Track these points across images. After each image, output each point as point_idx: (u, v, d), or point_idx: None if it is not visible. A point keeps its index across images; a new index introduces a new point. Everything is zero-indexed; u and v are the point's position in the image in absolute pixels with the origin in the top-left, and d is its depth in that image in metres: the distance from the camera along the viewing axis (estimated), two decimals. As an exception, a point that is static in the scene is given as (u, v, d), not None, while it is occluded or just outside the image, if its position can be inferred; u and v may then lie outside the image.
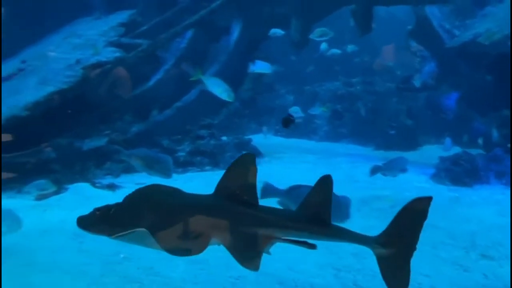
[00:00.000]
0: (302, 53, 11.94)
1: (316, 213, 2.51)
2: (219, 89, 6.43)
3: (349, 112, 12.58)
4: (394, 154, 9.57)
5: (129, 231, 2.28)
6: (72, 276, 4.11)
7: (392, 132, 11.00)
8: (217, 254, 4.75)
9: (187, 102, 9.45)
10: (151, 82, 9.15)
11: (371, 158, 9.93)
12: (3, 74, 7.30)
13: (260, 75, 11.12)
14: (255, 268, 2.34)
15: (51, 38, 8.39)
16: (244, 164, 2.51)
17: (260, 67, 7.77)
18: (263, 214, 2.50)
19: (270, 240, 2.46)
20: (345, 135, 12.66)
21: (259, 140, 11.49)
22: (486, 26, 8.90)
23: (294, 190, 4.95)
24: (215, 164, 8.71)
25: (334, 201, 2.57)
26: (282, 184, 5.47)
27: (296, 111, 8.81)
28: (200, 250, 2.33)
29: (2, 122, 6.31)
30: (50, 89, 6.88)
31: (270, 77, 14.35)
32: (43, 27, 8.39)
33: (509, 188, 7.26)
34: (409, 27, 10.27)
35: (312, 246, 2.48)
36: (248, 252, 2.39)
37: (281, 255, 4.69)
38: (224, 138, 9.70)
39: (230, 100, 6.53)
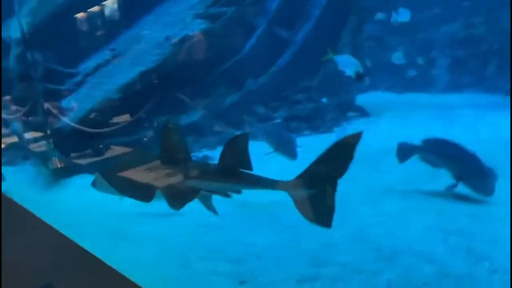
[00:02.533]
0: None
1: (231, 165, 3.03)
2: (351, 68, 6.11)
3: (473, 57, 10.94)
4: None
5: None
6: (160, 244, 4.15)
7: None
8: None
9: (282, 66, 9.07)
10: (244, 50, 8.95)
11: (501, 107, 8.50)
12: (99, 61, 7.75)
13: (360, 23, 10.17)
14: (178, 208, 2.93)
15: (143, 20, 8.66)
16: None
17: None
18: (190, 169, 3.10)
19: (195, 190, 3.07)
20: (469, 84, 11.09)
21: (367, 99, 10.64)
22: None
23: (432, 144, 4.70)
24: (314, 129, 8.26)
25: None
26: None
27: (398, 57, 7.86)
28: (149, 198, 2.96)
29: (99, 106, 6.72)
30: (140, 69, 7.10)
31: (376, 29, 13.18)
32: (136, 10, 8.69)
33: None
34: None
35: (226, 195, 3.06)
36: (177, 199, 2.95)
37: (381, 219, 4.21)
38: (324, 100, 9.15)
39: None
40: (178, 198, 2.99)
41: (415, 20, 12.84)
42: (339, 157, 2.67)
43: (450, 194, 4.54)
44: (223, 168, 3.09)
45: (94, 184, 3.36)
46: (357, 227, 4.10)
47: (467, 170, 4.28)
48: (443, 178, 4.99)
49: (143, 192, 3.06)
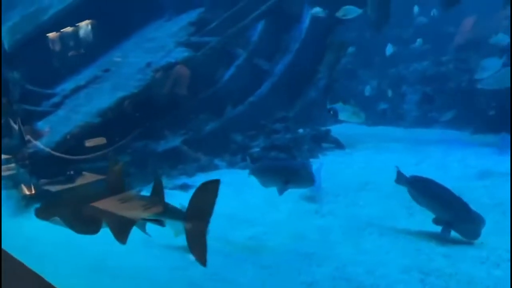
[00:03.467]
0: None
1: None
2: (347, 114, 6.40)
3: (441, 94, 11.42)
4: (495, 138, 8.45)
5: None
6: (138, 282, 4.06)
7: (492, 113, 9.72)
8: (287, 258, 4.46)
9: (261, 96, 9.22)
10: (224, 78, 9.06)
11: (468, 144, 8.89)
12: (81, 83, 7.66)
13: (337, 60, 10.58)
14: (123, 241, 3.13)
15: (124, 44, 8.66)
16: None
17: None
18: (128, 202, 3.31)
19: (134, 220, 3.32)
20: (437, 119, 11.53)
21: (341, 130, 10.90)
22: None
23: (419, 182, 4.78)
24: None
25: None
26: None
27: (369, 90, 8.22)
28: (95, 231, 3.17)
29: (77, 130, 6.61)
30: (121, 94, 7.07)
31: (349, 62, 13.66)
32: (117, 34, 8.69)
33: None
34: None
35: (161, 223, 3.42)
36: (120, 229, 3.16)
37: (361, 258, 4.29)
38: (300, 130, 9.32)
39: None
40: (121, 230, 3.21)
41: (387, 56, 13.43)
42: (202, 200, 3.28)
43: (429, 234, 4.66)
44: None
45: (37, 213, 3.39)
46: (338, 265, 4.15)
47: (456, 215, 4.37)
48: (419, 214, 5.16)
49: (89, 225, 3.23)
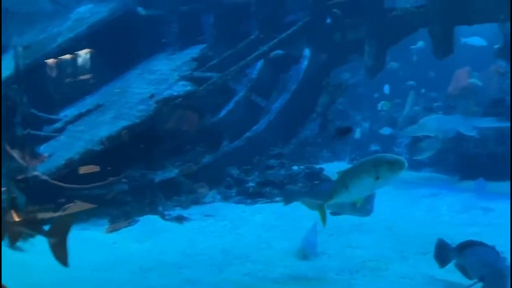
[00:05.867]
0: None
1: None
2: None
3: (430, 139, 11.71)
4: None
5: None
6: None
7: (480, 160, 9.98)
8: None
9: (257, 132, 9.41)
10: (222, 113, 9.27)
11: (457, 189, 9.08)
12: (83, 110, 7.79)
13: (331, 101, 10.91)
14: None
15: (128, 75, 8.86)
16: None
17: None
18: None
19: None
20: (426, 164, 11.77)
21: (332, 169, 11.08)
22: None
23: (467, 248, 4.33)
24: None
25: None
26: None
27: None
28: None
29: (79, 157, 6.69)
30: (123, 123, 7.20)
31: (342, 103, 14.03)
32: (121, 65, 8.91)
33: None
34: (496, 46, 9.43)
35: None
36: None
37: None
38: (295, 167, 9.46)
39: None
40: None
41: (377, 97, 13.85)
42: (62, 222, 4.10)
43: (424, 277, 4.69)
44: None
45: None
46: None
47: (492, 272, 4.02)
48: (412, 258, 5.27)
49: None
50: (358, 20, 8.99)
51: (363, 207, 5.02)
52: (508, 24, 8.55)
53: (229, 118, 9.31)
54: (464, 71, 11.32)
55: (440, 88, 12.36)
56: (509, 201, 7.70)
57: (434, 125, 7.37)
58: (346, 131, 5.82)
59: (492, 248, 4.23)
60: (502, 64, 8.97)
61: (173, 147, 7.97)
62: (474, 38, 11.92)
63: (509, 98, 9.32)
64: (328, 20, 9.38)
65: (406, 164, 3.55)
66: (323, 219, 4.16)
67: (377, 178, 3.62)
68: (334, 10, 9.09)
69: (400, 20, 8.58)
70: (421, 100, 12.83)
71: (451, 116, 8.18)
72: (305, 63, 10.13)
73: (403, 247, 5.65)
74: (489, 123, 8.66)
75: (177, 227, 6.51)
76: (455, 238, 5.51)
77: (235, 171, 8.61)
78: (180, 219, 6.64)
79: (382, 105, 10.34)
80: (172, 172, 7.52)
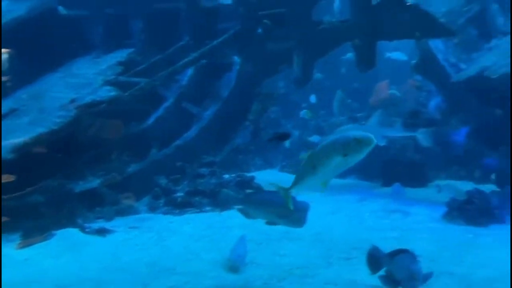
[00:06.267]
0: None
1: None
2: None
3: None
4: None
5: None
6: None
7: (400, 167, 10.58)
8: None
9: (187, 139, 9.23)
10: (150, 120, 8.98)
11: (380, 195, 9.52)
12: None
13: (263, 109, 11.03)
14: None
15: (48, 77, 8.31)
16: None
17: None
18: None
19: None
20: (352, 170, 12.26)
21: (264, 177, 11.16)
22: (493, 60, 8.65)
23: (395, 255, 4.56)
24: (215, 205, 8.35)
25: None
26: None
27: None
28: None
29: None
30: (40, 129, 6.70)
31: (274, 111, 14.27)
32: (42, 67, 8.34)
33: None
34: (413, 61, 10.09)
35: None
36: None
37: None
38: (226, 176, 9.39)
39: None
40: None
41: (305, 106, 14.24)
42: None
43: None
44: None
45: None
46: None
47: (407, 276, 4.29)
48: (337, 264, 5.40)
49: None
50: (287, 32, 9.17)
51: (297, 218, 5.02)
52: (423, 40, 9.20)
53: (158, 125, 9.04)
54: (385, 83, 12.00)
55: (364, 99, 12.99)
56: (424, 206, 8.25)
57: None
58: (284, 137, 5.86)
59: (412, 254, 4.49)
60: (418, 79, 9.60)
61: (96, 156, 7.56)
62: (396, 53, 12.72)
63: (424, 110, 10.01)
64: (259, 30, 9.47)
65: (375, 141, 3.51)
66: (288, 203, 4.05)
67: (345, 155, 3.53)
68: (264, 20, 9.20)
69: (326, 33, 8.87)
70: (346, 110, 13.40)
71: (364, 126, 8.62)
72: (237, 71, 10.14)
73: (329, 253, 5.79)
74: (398, 132, 9.25)
75: (98, 240, 6.15)
76: (377, 242, 5.75)
77: (163, 181, 8.36)
78: (102, 231, 6.28)
79: (304, 113, 10.65)
80: (94, 182, 7.11)
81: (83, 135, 7.34)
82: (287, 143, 12.26)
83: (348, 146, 3.49)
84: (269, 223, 5.01)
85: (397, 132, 9.26)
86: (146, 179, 8.26)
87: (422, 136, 8.73)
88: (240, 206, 4.78)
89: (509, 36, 9.49)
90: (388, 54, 12.76)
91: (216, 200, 7.71)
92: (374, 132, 8.28)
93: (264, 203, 4.75)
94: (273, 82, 12.86)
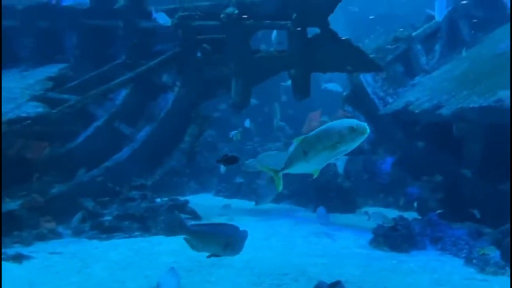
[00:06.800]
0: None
1: None
2: None
3: (289, 174, 12.47)
4: (333, 216, 9.46)
5: None
6: None
7: (331, 194, 10.93)
8: None
9: (119, 161, 8.91)
10: (79, 139, 8.58)
11: (311, 220, 9.72)
12: None
13: (200, 132, 10.95)
14: None
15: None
16: None
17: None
18: None
19: None
20: (286, 196, 12.45)
21: (198, 200, 11.01)
22: (416, 95, 9.30)
23: None
24: (145, 230, 8.07)
25: None
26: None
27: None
28: None
29: None
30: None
31: (212, 136, 14.24)
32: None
33: (445, 255, 7.25)
34: (345, 93, 10.60)
35: None
36: None
37: None
38: (158, 200, 9.13)
39: None
40: None
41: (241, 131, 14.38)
42: None
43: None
44: None
45: None
46: None
47: None
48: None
49: None
50: (226, 57, 9.28)
51: (234, 248, 4.95)
52: (355, 74, 9.72)
53: (88, 145, 8.65)
54: (317, 113, 12.47)
55: (298, 126, 13.38)
56: (353, 232, 8.55)
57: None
58: (232, 160, 5.79)
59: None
60: (349, 110, 10.08)
61: (16, 176, 7.04)
62: (332, 84, 13.30)
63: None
64: (198, 54, 9.50)
65: (368, 130, 3.40)
66: (278, 186, 3.78)
67: (338, 143, 3.39)
68: (204, 45, 9.25)
69: (264, 62, 9.09)
70: (282, 136, 13.71)
71: (284, 153, 8.82)
72: (174, 93, 10.03)
73: (260, 280, 5.77)
74: None
75: (14, 268, 5.68)
76: (308, 269, 5.85)
77: (90, 203, 7.96)
78: (18, 258, 5.80)
79: (233, 135, 10.74)
80: (12, 204, 6.60)
81: (4, 153, 6.82)
82: (222, 168, 12.22)
83: (342, 133, 3.39)
84: (213, 255, 4.90)
85: None
86: (71, 202, 7.82)
87: (340, 164, 9.11)
88: (186, 236, 4.58)
89: (430, 74, 10.35)
90: (324, 85, 13.31)
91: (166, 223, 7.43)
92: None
93: (210, 235, 4.65)
94: (213, 105, 12.93)
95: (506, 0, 11.11)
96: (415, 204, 9.49)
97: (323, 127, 3.46)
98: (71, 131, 8.32)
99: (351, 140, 3.39)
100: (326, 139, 3.40)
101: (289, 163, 3.67)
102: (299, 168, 3.66)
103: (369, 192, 11.11)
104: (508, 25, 10.13)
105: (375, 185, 10.94)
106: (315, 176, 3.64)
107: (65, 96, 8.19)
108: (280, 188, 3.79)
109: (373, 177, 10.78)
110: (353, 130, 3.36)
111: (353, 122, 3.40)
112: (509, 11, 10.22)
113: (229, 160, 5.35)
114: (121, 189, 8.69)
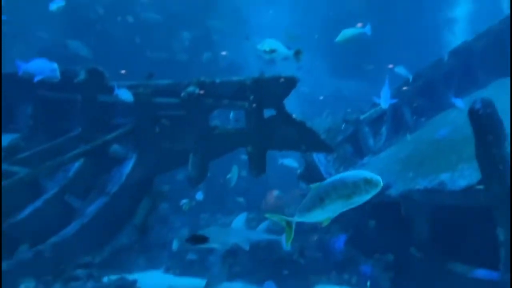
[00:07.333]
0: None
1: None
2: None
3: (244, 252, 12.29)
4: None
5: None
6: None
7: (286, 272, 10.81)
8: None
9: (65, 236, 8.47)
10: (25, 213, 8.15)
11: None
12: None
13: (153, 207, 10.74)
14: None
15: None
16: None
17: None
18: None
19: None
20: (240, 274, 12.16)
21: (148, 280, 10.51)
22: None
23: None
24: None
25: None
26: None
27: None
28: None
29: None
30: None
31: (166, 209, 13.95)
32: None
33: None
34: (299, 170, 10.94)
35: None
36: None
37: None
38: (105, 279, 8.65)
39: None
40: None
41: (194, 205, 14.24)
42: None
43: None
44: None
45: None
46: None
47: None
48: None
49: None
50: (184, 133, 9.44)
51: None
52: (308, 153, 10.12)
53: (34, 219, 8.22)
54: (273, 191, 12.76)
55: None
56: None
57: (214, 236, 7.78)
58: (200, 240, 5.73)
59: None
60: (303, 187, 10.37)
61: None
62: (288, 159, 13.68)
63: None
64: (157, 129, 9.61)
65: (381, 183, 3.54)
66: (289, 238, 3.78)
67: (353, 194, 3.52)
68: (162, 120, 9.41)
69: (222, 138, 9.32)
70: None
71: (229, 228, 8.78)
72: (129, 166, 9.92)
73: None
74: (262, 236, 9.47)
75: None
76: None
77: (30, 283, 7.40)
78: None
79: (183, 203, 10.68)
80: None
81: None
82: (174, 244, 11.88)
83: (357, 184, 3.50)
84: None
85: (261, 236, 9.43)
86: (9, 281, 7.24)
87: (284, 240, 9.14)
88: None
89: (377, 155, 10.97)
90: (281, 160, 13.67)
91: None
92: (238, 235, 8.55)
93: None
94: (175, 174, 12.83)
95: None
96: (368, 284, 9.55)
97: (339, 176, 3.60)
98: (18, 204, 7.92)
99: (365, 192, 3.53)
100: (342, 188, 3.52)
101: (305, 210, 3.68)
102: (313, 216, 3.69)
103: (323, 270, 11.09)
104: (446, 112, 11.15)
105: (328, 263, 10.98)
106: (324, 224, 3.75)
107: (15, 167, 7.89)
108: (290, 241, 3.78)
109: (326, 254, 10.86)
110: (367, 182, 3.52)
111: (368, 174, 3.56)
112: (448, 101, 11.21)
113: (197, 240, 5.38)
114: (65, 267, 8.19)
